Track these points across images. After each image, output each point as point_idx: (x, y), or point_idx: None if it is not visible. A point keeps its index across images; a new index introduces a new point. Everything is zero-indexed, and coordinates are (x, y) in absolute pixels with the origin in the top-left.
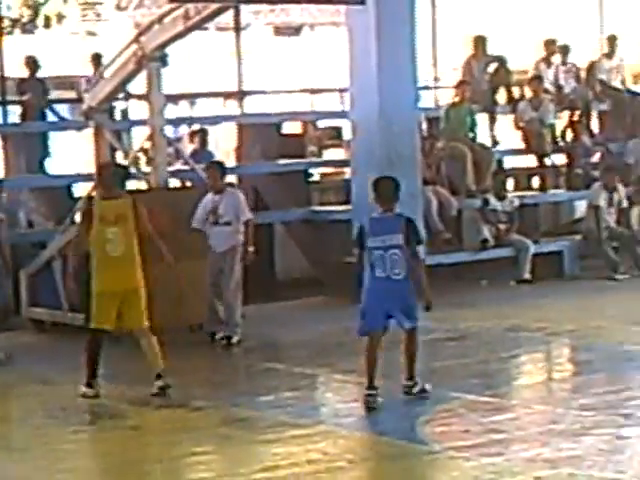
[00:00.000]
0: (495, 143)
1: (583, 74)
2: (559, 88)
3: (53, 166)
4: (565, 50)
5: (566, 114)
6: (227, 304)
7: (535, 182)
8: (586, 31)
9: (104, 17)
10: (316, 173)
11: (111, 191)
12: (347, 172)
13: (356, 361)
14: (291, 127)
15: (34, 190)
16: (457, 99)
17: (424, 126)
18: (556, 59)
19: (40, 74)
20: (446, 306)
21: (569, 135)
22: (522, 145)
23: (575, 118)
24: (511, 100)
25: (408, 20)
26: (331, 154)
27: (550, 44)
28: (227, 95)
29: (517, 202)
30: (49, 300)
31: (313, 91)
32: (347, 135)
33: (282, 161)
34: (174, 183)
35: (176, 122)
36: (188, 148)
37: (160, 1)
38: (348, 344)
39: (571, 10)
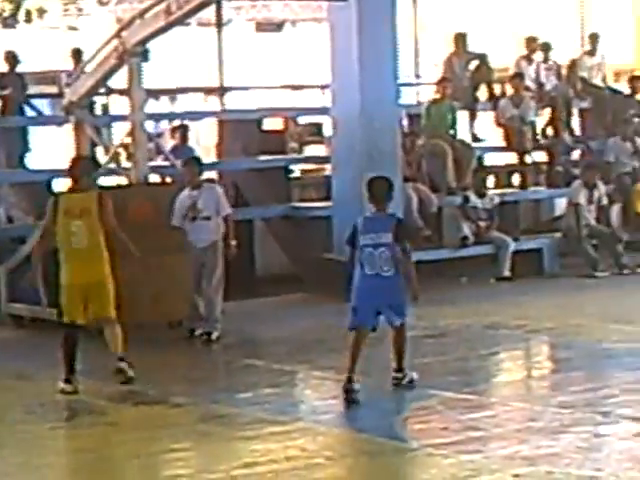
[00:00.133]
0: (476, 140)
1: (564, 72)
2: (540, 85)
3: (33, 161)
4: (546, 47)
5: (547, 111)
6: (208, 300)
7: (515, 179)
8: (567, 29)
9: (85, 12)
10: (297, 169)
11: (79, 184)
12: (328, 169)
13: (336, 358)
14: (272, 123)
15: (14, 185)
16: (438, 96)
17: (405, 123)
18: (537, 56)
19: (20, 69)
20: (426, 303)
21: (550, 132)
22: (503, 142)
23: (556, 115)
24: (492, 97)
25: (389, 17)
26: (312, 150)
27: (531, 41)
28: (208, 91)
29: (497, 199)
30: (28, 296)
31: (294, 87)
32: (328, 131)
33: (263, 157)
34: (154, 178)
35: (157, 117)
36: (169, 144)
37: None
38: (327, 341)
39: (553, 7)
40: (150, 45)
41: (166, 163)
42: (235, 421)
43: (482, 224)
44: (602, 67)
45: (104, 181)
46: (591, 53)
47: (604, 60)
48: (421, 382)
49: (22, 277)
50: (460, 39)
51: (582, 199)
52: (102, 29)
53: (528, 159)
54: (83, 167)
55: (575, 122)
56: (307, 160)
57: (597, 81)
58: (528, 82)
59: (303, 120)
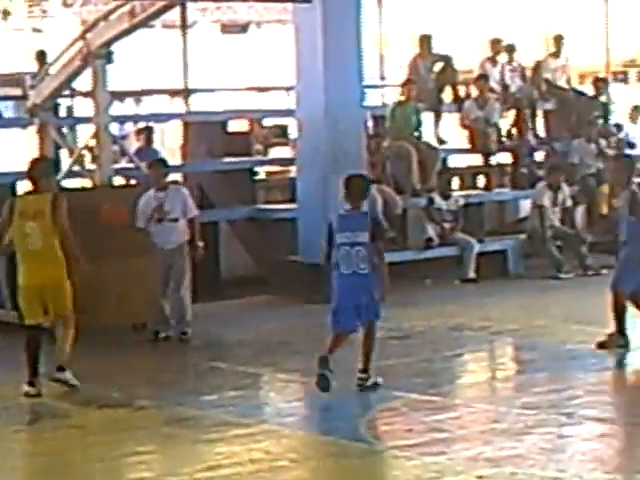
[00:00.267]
0: (441, 142)
1: (529, 73)
2: (505, 87)
3: None
4: (511, 49)
5: (512, 113)
6: (180, 301)
7: (480, 181)
8: (532, 30)
9: (50, 14)
10: (262, 171)
11: (38, 186)
12: (293, 171)
13: (300, 360)
14: (237, 125)
15: None
16: (403, 98)
17: (370, 124)
18: (502, 58)
19: None
20: (390, 305)
21: (514, 134)
22: (467, 144)
23: (520, 117)
24: (457, 99)
25: (354, 18)
26: (277, 152)
27: (496, 43)
28: (173, 93)
29: (462, 201)
30: None
31: (259, 89)
32: (293, 133)
33: (228, 159)
34: (119, 181)
35: (122, 120)
36: (134, 146)
37: None
38: (292, 343)
39: (517, 9)
40: (115, 47)
41: (131, 165)
42: (199, 424)
43: (447, 226)
44: (566, 69)
45: (68, 183)
46: (555, 55)
47: (568, 62)
48: (386, 384)
49: None
50: (425, 41)
51: (546, 201)
52: (66, 31)
53: (493, 161)
54: (42, 169)
55: (540, 124)
56: (272, 162)
57: (561, 83)
58: (493, 84)
59: (268, 122)
